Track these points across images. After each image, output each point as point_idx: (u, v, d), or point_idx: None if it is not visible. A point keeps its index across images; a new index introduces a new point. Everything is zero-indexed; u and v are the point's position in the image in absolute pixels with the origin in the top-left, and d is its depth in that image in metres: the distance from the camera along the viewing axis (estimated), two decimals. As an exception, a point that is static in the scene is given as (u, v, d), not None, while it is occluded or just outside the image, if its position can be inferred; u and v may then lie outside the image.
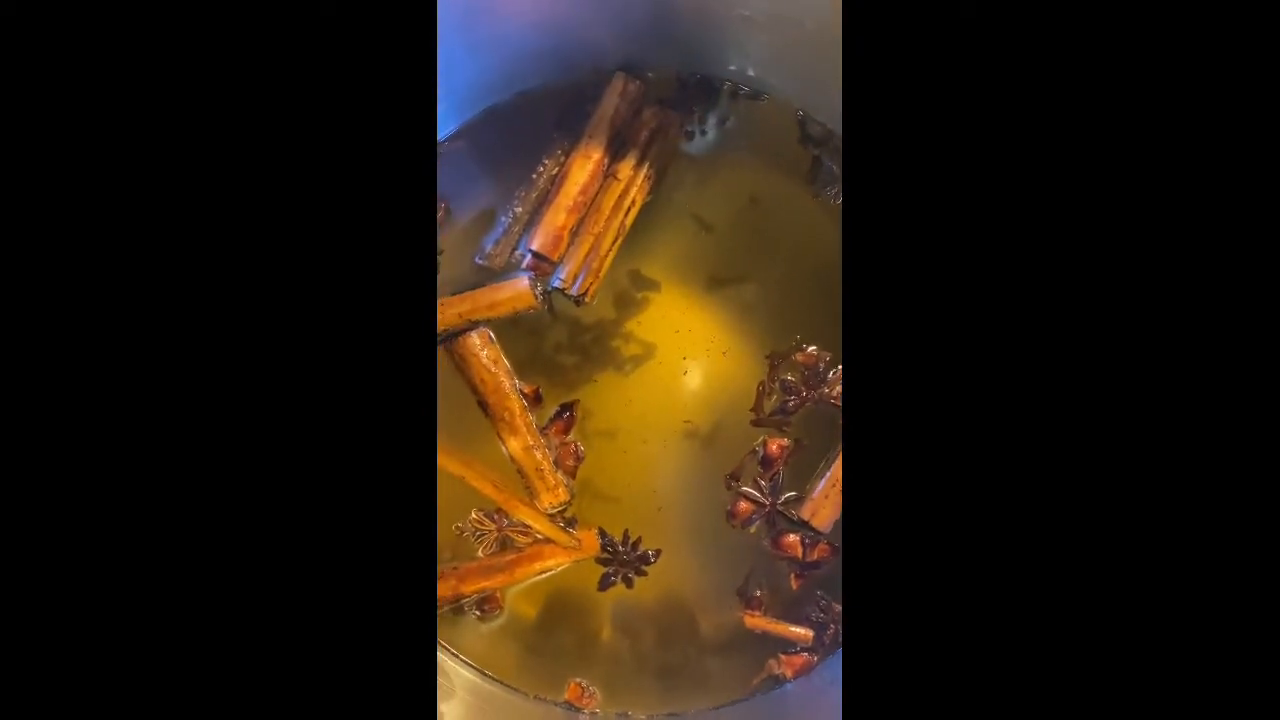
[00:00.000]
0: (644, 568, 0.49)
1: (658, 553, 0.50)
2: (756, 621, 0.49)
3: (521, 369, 0.50)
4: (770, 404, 0.50)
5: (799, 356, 0.50)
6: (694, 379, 0.50)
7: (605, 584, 0.49)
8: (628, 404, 0.50)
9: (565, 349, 0.50)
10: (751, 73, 0.51)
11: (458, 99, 0.50)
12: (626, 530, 0.49)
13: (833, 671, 0.49)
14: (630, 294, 0.51)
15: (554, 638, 0.49)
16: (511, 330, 0.50)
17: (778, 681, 0.49)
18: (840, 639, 0.49)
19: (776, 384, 0.50)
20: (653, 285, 0.51)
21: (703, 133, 0.52)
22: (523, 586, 0.49)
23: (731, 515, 0.50)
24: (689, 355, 0.50)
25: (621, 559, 0.49)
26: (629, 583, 0.49)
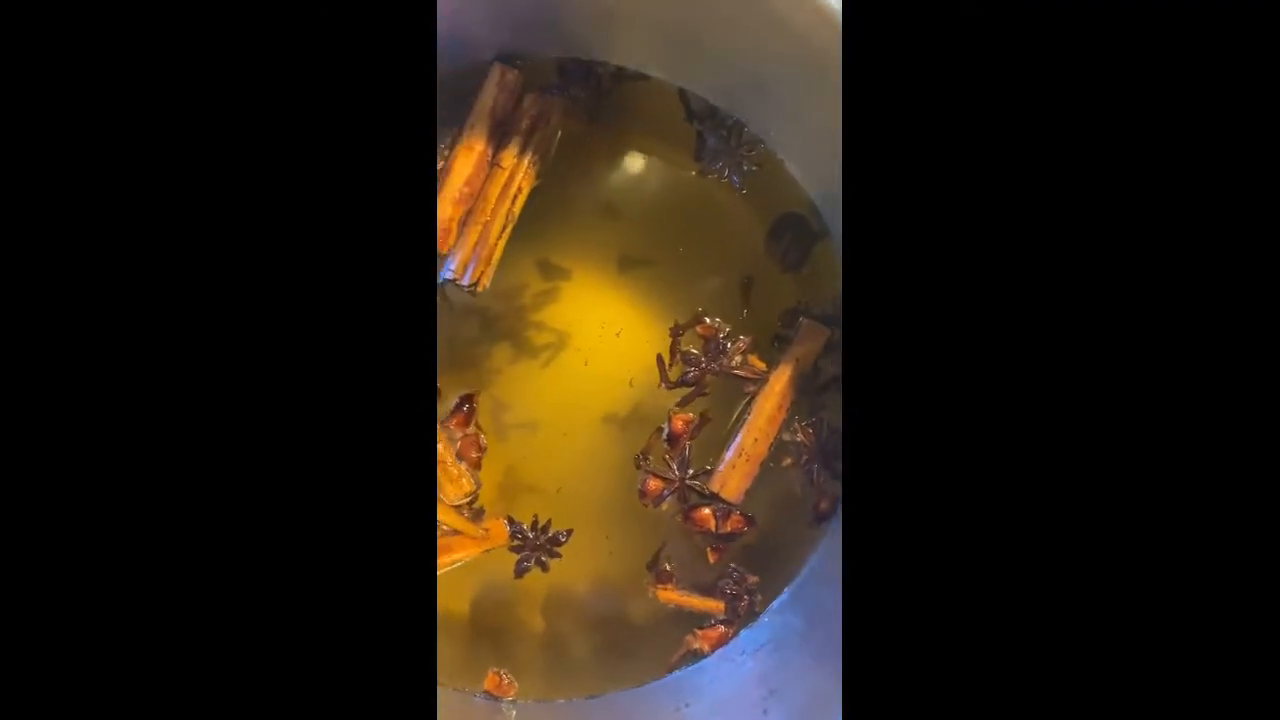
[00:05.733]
0: (556, 549, 0.49)
1: (569, 532, 0.49)
2: (669, 595, 0.49)
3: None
4: (672, 375, 0.50)
5: (699, 328, 0.50)
6: (607, 363, 0.50)
7: (520, 570, 0.49)
8: (542, 394, 0.50)
9: (477, 342, 0.50)
10: (630, 54, 0.51)
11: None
12: (535, 516, 0.49)
13: (746, 642, 0.48)
14: (540, 283, 0.51)
15: (470, 629, 0.49)
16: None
17: (696, 656, 0.49)
18: (754, 609, 0.49)
19: (677, 356, 0.50)
20: (563, 273, 0.51)
21: (588, 117, 0.52)
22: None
23: (642, 494, 0.49)
24: (601, 340, 0.50)
25: (532, 543, 0.49)
26: (544, 566, 0.49)
